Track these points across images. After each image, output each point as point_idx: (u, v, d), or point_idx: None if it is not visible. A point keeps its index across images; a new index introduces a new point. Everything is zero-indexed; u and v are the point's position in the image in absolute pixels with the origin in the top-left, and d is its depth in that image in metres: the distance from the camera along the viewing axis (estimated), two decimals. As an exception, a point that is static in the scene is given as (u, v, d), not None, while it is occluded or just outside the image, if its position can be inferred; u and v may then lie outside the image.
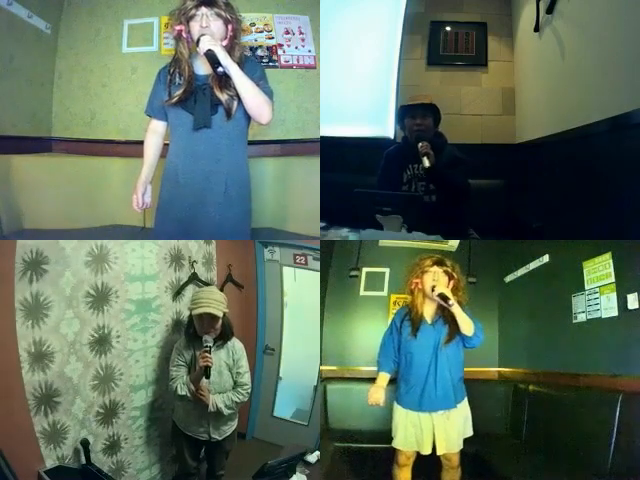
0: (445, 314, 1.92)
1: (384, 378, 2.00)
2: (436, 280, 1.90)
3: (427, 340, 1.92)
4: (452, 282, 1.92)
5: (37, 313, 1.87)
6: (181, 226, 2.00)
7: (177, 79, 1.92)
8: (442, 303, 1.87)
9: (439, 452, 1.90)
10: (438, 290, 1.87)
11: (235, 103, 1.89)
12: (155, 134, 2.07)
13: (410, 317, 1.96)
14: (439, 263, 1.93)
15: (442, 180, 2.48)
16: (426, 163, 2.38)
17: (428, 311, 1.95)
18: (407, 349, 1.94)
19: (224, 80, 1.85)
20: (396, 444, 1.95)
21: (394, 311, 2.86)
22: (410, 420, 1.92)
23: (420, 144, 2.42)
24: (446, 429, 1.90)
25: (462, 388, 1.98)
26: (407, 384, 1.94)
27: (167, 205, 2.02)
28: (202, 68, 1.92)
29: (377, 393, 1.96)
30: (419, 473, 2.00)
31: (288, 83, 3.32)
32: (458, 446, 1.93)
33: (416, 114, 2.55)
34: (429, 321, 1.95)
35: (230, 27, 1.87)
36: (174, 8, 1.88)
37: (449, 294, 1.85)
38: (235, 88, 1.85)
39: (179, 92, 1.88)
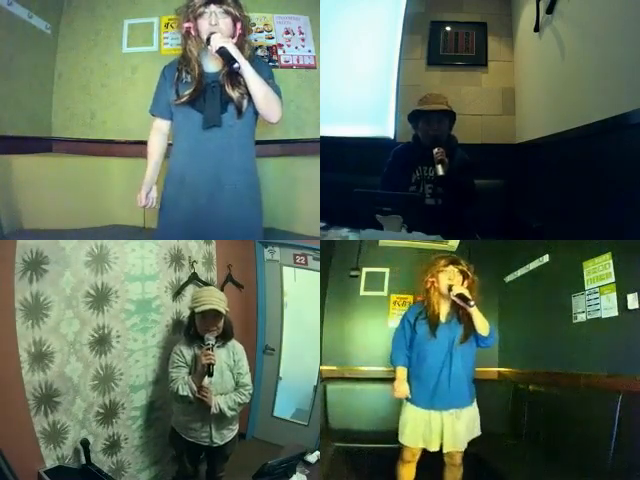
0: (459, 313, 1.93)
1: (403, 371, 2.00)
2: (452, 279, 1.91)
3: (442, 339, 1.93)
4: (467, 281, 1.93)
5: (37, 313, 1.87)
6: (188, 226, 1.99)
7: (185, 77, 1.89)
8: (461, 303, 1.87)
9: (445, 450, 1.92)
10: (457, 290, 1.87)
11: (245, 101, 1.87)
12: (160, 133, 2.04)
13: (426, 316, 1.96)
14: (454, 262, 1.94)
15: (452, 187, 2.47)
16: (440, 171, 2.35)
17: (442, 310, 1.96)
18: (422, 347, 1.95)
19: (235, 78, 1.83)
20: (403, 440, 1.97)
21: (394, 311, 2.87)
22: (420, 417, 1.93)
23: (435, 150, 2.37)
24: (454, 428, 1.91)
25: (473, 388, 1.99)
26: (419, 382, 1.96)
27: (173, 206, 2.00)
28: (211, 66, 1.90)
29: (402, 386, 1.97)
30: (422, 471, 2.01)
31: (288, 83, 3.30)
32: (463, 445, 1.94)
33: (433, 120, 2.51)
34: (443, 320, 1.95)
35: (239, 25, 1.84)
36: (180, 5, 1.86)
37: (469, 295, 1.85)
38: (245, 86, 1.83)
39: (189, 91, 1.86)
